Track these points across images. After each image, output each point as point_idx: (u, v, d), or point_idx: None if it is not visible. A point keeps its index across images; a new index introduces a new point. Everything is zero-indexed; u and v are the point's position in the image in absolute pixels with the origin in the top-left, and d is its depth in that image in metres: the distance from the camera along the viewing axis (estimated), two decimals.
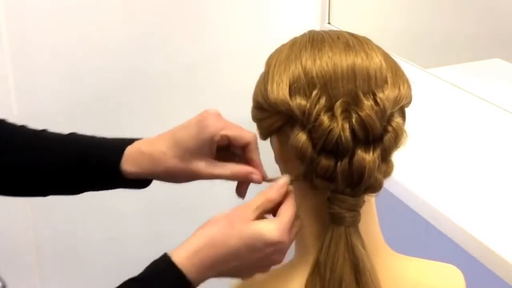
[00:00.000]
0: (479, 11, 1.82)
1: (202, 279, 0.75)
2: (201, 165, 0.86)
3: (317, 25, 1.90)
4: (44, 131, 0.98)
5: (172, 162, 0.86)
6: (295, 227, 0.78)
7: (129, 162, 0.89)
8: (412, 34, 1.86)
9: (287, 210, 0.76)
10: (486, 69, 1.74)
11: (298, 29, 0.86)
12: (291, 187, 0.79)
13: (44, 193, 0.98)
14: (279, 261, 0.77)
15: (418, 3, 1.91)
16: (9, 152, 0.95)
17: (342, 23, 1.85)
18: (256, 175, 0.85)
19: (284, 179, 0.79)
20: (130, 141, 0.91)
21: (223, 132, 0.85)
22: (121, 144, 0.91)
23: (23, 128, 0.99)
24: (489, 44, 1.76)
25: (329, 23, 1.90)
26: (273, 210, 0.78)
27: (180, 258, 0.74)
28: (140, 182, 0.92)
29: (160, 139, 0.89)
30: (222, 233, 0.74)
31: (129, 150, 0.90)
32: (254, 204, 0.77)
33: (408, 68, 0.83)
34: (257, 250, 0.74)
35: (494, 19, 1.80)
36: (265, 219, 0.76)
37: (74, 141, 0.95)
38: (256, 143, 0.86)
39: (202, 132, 0.84)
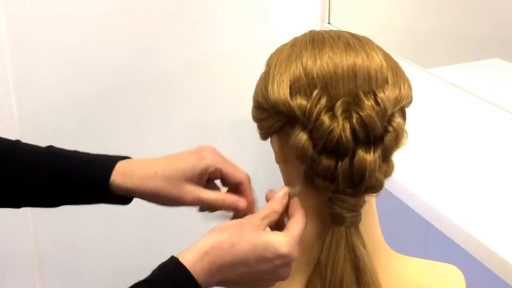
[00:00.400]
0: (479, 11, 1.82)
1: (209, 283, 0.74)
2: (190, 189, 0.86)
3: (317, 25, 1.90)
4: (18, 141, 0.96)
5: (161, 182, 0.87)
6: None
7: (120, 177, 0.88)
8: (412, 34, 1.86)
9: (298, 224, 0.76)
10: (486, 69, 1.74)
11: (298, 29, 0.86)
12: (296, 199, 0.79)
13: (17, 205, 0.97)
14: (286, 276, 0.76)
15: (418, 3, 1.90)
16: None
17: (342, 23, 1.85)
18: (242, 203, 0.86)
19: (284, 190, 0.79)
20: (122, 157, 0.91)
21: (218, 166, 0.86)
22: (113, 158, 0.91)
23: None
24: (489, 44, 1.76)
25: (329, 23, 1.90)
26: (279, 220, 0.78)
27: (188, 260, 0.73)
28: (123, 199, 0.91)
29: (154, 160, 0.90)
30: (231, 238, 0.74)
31: (121, 164, 0.89)
32: (261, 214, 0.77)
33: (408, 68, 0.83)
34: (266, 260, 0.74)
35: (494, 19, 1.80)
36: (275, 231, 0.76)
37: (54, 153, 0.94)
38: (249, 183, 0.87)
39: (198, 161, 0.86)
